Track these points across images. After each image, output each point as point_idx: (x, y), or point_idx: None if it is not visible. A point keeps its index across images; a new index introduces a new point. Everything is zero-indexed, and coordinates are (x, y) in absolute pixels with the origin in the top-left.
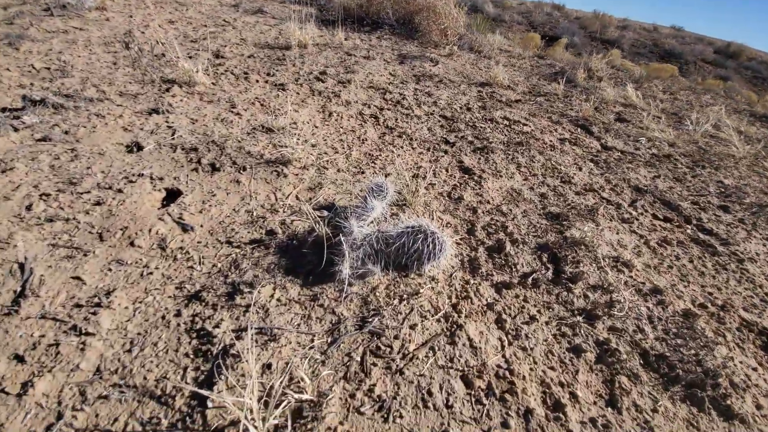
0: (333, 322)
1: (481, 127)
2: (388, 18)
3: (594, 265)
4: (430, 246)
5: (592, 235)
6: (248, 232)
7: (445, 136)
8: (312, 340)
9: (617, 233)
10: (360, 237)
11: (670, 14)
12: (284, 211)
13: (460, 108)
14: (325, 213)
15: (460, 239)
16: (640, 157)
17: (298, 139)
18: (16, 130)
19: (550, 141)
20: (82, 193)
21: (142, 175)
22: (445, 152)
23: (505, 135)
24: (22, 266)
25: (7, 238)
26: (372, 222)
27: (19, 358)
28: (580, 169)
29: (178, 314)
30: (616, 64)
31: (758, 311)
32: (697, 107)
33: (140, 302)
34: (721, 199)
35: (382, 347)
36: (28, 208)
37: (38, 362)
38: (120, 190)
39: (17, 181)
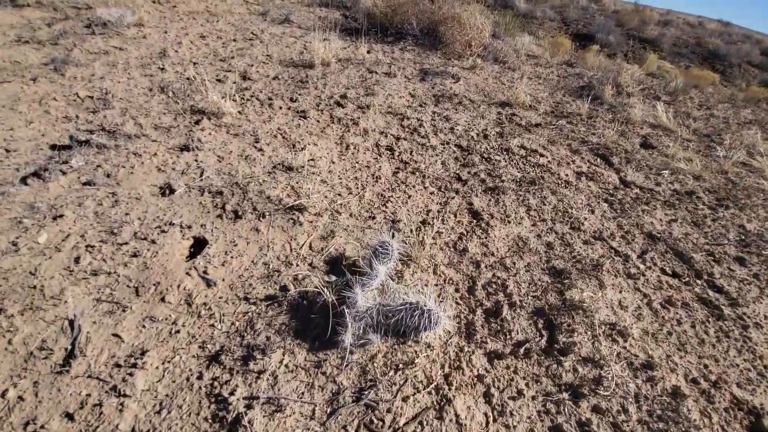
0: (333, 391)
1: (496, 159)
2: (412, 28)
3: (589, 332)
4: (426, 321)
5: (591, 300)
6: (264, 288)
7: (458, 171)
8: (313, 411)
9: (620, 291)
10: (363, 308)
11: (718, 8)
12: (297, 264)
13: (477, 135)
14: (333, 278)
15: (460, 298)
16: (659, 195)
17: (315, 178)
18: (64, 174)
19: (566, 176)
20: (121, 245)
21: (173, 224)
22: (456, 192)
23: (520, 170)
24: (72, 323)
25: (59, 293)
26: (376, 288)
27: (70, 417)
28: (593, 212)
29: (200, 377)
30: (651, 69)
31: (752, 387)
32: (733, 126)
33: (169, 362)
34: (739, 248)
35: (375, 420)
36: (77, 260)
37: (85, 421)
38: (154, 241)
39: (66, 230)
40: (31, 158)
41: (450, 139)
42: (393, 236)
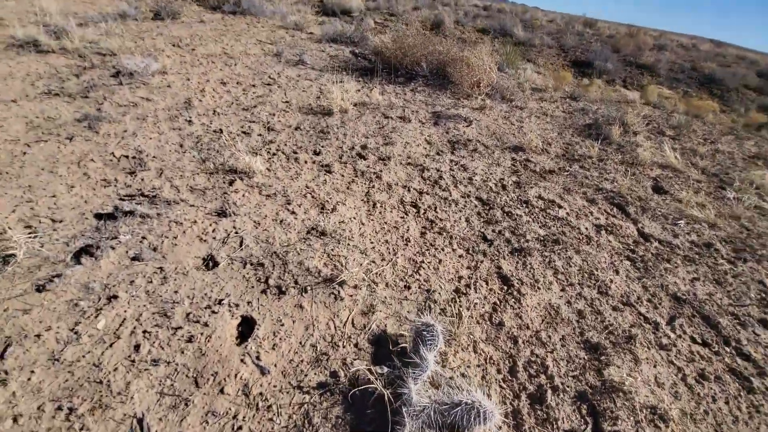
0: None
1: (517, 214)
2: (422, 70)
3: (632, 418)
4: (482, 419)
5: (630, 382)
6: (315, 374)
7: (482, 229)
8: None
9: (655, 366)
10: (419, 407)
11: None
12: (344, 346)
13: (495, 186)
14: (385, 369)
15: (503, 380)
16: (678, 249)
17: (348, 243)
18: (113, 249)
19: (586, 230)
20: (176, 329)
21: (221, 302)
22: (484, 254)
23: (541, 225)
24: (140, 422)
25: (125, 388)
26: (427, 379)
27: None
28: (617, 272)
29: None
30: (652, 99)
31: None
32: (739, 162)
33: None
34: (762, 308)
35: None
36: (137, 348)
37: None
38: (206, 324)
39: (122, 313)
40: (78, 230)
41: (470, 192)
42: (430, 309)
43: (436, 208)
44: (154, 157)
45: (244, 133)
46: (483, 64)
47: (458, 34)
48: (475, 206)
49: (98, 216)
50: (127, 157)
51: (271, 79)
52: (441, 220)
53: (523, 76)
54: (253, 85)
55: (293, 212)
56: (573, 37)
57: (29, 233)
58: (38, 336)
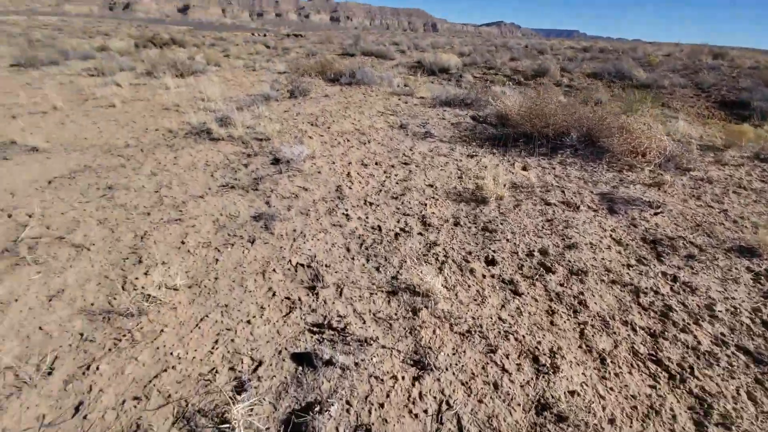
0: None
1: None
2: (569, 139)
3: None
4: None
5: None
6: None
7: None
8: None
9: None
10: None
11: None
12: None
13: (754, 322)
14: None
15: None
16: None
17: None
18: (324, 425)
19: None
20: None
21: None
22: None
23: None
24: None
25: None
26: None
27: None
28: None
29: None
30: None
31: None
32: None
33: None
34: None
35: None
36: None
37: None
38: None
39: None
40: (280, 379)
41: (724, 335)
42: None
43: (692, 369)
44: (326, 266)
45: (402, 231)
46: (647, 128)
47: (566, 81)
48: (746, 365)
49: (295, 357)
50: (302, 265)
51: (406, 156)
52: (712, 396)
53: (673, 129)
54: (392, 165)
55: (504, 369)
56: (710, 74)
57: (235, 382)
58: None
